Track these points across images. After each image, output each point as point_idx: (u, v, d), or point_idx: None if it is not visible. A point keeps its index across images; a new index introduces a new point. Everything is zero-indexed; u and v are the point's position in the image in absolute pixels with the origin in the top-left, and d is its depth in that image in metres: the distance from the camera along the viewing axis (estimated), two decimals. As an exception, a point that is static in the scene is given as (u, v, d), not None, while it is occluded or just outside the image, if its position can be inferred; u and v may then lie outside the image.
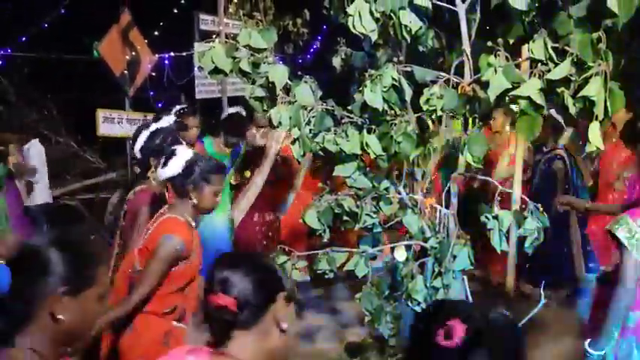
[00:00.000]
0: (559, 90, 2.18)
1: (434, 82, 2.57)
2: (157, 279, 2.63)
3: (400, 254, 2.83)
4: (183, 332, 2.72)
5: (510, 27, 2.41)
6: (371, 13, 2.42)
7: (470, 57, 2.58)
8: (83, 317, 1.51)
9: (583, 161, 5.39)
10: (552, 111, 2.64)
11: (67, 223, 7.03)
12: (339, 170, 2.81)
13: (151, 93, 6.87)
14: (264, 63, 2.84)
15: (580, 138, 5.16)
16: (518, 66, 2.42)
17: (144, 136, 3.26)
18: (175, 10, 7.23)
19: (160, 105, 6.90)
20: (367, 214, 2.83)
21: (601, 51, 2.07)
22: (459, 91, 2.54)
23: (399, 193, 2.90)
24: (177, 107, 4.47)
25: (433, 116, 2.56)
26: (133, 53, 6.42)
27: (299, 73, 2.87)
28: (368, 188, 2.85)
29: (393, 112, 2.64)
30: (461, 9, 2.59)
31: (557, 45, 2.24)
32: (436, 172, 4.21)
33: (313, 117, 2.72)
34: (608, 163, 5.13)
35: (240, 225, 4.85)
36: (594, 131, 2.08)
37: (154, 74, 6.92)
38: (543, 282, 2.90)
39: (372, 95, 2.53)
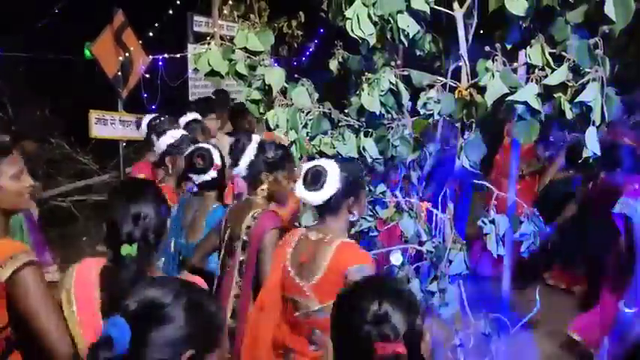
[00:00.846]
0: (556, 95, 2.19)
1: (431, 87, 2.57)
2: None
3: (396, 258, 2.83)
4: None
5: (508, 32, 2.42)
6: (369, 16, 2.42)
7: (467, 61, 2.59)
8: None
9: None
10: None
11: (59, 224, 6.99)
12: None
13: (144, 94, 6.83)
14: (260, 65, 2.84)
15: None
16: (515, 71, 2.43)
17: (251, 149, 2.83)
18: (169, 12, 7.20)
19: (153, 107, 6.86)
20: (363, 218, 2.83)
21: (598, 57, 2.09)
22: (456, 96, 2.55)
23: (396, 197, 2.90)
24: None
25: (430, 120, 2.56)
26: (126, 54, 6.38)
27: (295, 75, 2.86)
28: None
29: (389, 115, 2.65)
30: (458, 13, 2.60)
31: (554, 51, 2.25)
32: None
33: (310, 120, 2.72)
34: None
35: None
36: (591, 137, 2.09)
37: (147, 75, 6.88)
38: (538, 287, 2.93)
39: (370, 99, 2.53)
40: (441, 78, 2.60)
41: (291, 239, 2.43)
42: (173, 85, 7.07)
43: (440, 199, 2.78)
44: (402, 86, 2.54)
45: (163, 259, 3.10)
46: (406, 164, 2.86)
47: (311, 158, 2.73)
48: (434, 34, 2.80)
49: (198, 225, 3.15)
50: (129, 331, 1.24)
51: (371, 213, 2.85)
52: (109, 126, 6.10)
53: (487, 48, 2.30)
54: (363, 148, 2.64)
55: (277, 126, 2.67)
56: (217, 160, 3.19)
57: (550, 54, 2.22)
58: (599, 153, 2.12)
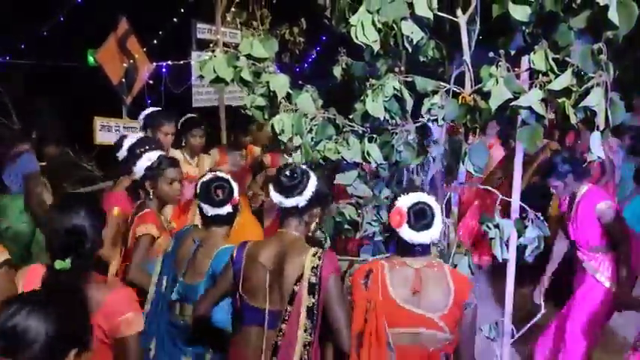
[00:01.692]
0: (560, 100, 2.20)
1: (434, 92, 2.59)
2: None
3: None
4: None
5: (511, 38, 2.44)
6: (373, 23, 2.44)
7: (470, 67, 2.61)
8: None
9: None
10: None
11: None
12: (340, 178, 2.83)
13: (148, 101, 6.86)
14: (264, 72, 2.86)
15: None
16: (518, 76, 2.45)
17: (312, 183, 2.43)
18: (173, 19, 7.24)
19: (156, 113, 6.88)
20: (368, 223, 2.84)
21: (602, 62, 2.10)
22: (460, 101, 2.56)
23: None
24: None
25: (434, 125, 2.58)
26: (131, 61, 6.41)
27: (299, 82, 2.88)
28: (369, 196, 2.86)
29: (394, 121, 2.66)
30: (462, 20, 2.62)
31: (557, 56, 2.26)
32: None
33: (315, 125, 2.73)
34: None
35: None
36: (596, 141, 2.10)
37: (151, 82, 6.91)
38: (543, 290, 2.93)
39: (374, 105, 2.55)
40: (444, 84, 2.62)
41: (378, 272, 2.24)
42: (177, 92, 7.10)
43: (444, 203, 2.79)
44: (406, 92, 2.56)
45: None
46: (410, 169, 2.88)
47: (316, 164, 2.75)
48: (437, 40, 2.82)
49: (202, 265, 2.74)
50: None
51: (375, 218, 2.87)
52: (113, 132, 6.11)
53: (491, 54, 2.32)
54: (368, 154, 2.66)
55: (282, 131, 2.69)
56: (236, 194, 2.85)
57: (553, 59, 2.24)
58: (603, 157, 2.13)
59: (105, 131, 6.14)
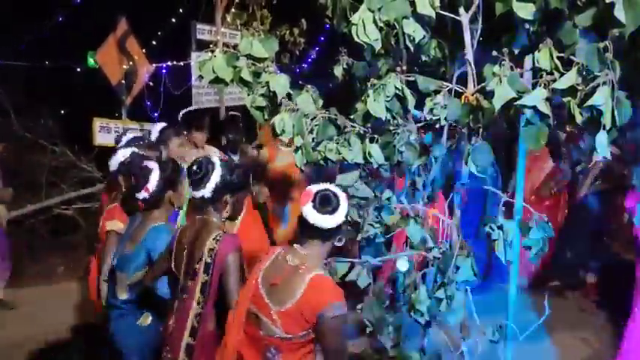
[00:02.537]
0: (565, 100, 2.16)
1: (437, 92, 2.55)
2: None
3: (402, 264, 2.80)
4: None
5: (515, 36, 2.40)
6: (374, 22, 2.41)
7: (473, 66, 2.57)
8: None
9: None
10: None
11: (63, 232, 6.98)
12: (342, 179, 2.79)
13: (148, 102, 6.84)
14: (264, 72, 2.83)
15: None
16: (522, 75, 2.41)
17: (217, 173, 2.70)
18: (172, 20, 7.22)
19: (156, 115, 6.87)
20: (369, 224, 2.81)
21: (607, 60, 2.06)
22: (463, 101, 2.53)
23: (402, 203, 2.88)
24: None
25: (437, 126, 2.54)
26: (130, 62, 6.39)
27: (299, 82, 2.85)
28: (370, 198, 2.83)
29: (395, 121, 2.63)
30: (464, 18, 2.58)
31: (562, 54, 2.22)
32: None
33: (316, 125, 2.70)
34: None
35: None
36: (602, 141, 2.06)
37: (150, 83, 6.89)
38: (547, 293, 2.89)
39: (375, 104, 2.51)
40: (446, 83, 2.58)
41: (267, 257, 2.48)
42: (176, 93, 7.08)
43: (446, 205, 2.75)
44: (407, 92, 2.52)
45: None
46: (412, 170, 2.84)
47: (315, 164, 2.72)
48: (439, 39, 2.78)
49: (137, 237, 3.06)
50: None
51: (377, 219, 2.83)
52: (112, 134, 6.09)
53: (494, 53, 2.28)
54: (369, 154, 2.62)
55: (283, 131, 2.65)
56: (150, 184, 3.06)
57: (558, 58, 2.20)
58: (609, 157, 2.10)
59: (104, 132, 6.13)
